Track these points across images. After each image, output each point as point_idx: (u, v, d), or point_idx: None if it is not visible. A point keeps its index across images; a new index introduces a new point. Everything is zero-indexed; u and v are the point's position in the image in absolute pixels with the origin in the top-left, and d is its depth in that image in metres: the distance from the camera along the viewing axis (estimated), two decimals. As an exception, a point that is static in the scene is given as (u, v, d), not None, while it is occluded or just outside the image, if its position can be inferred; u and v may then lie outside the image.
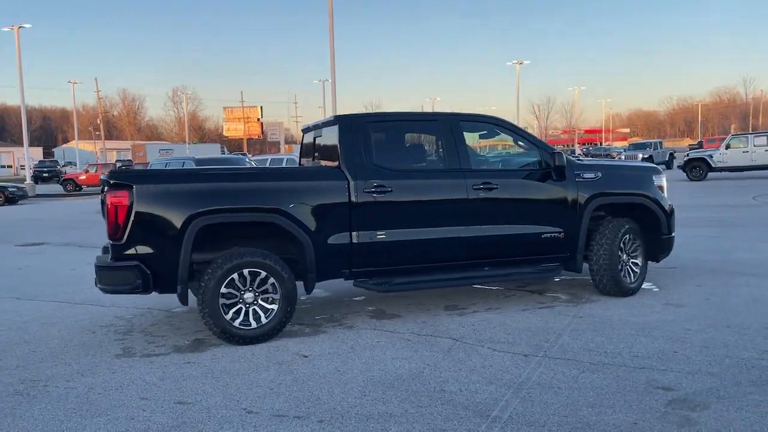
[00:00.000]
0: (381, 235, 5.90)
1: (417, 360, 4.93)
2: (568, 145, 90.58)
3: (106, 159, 70.25)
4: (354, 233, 5.81)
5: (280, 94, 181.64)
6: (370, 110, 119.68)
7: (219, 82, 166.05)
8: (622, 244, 6.69)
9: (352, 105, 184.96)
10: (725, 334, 5.31)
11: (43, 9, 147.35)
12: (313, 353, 5.20)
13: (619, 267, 6.67)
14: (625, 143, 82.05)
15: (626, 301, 6.56)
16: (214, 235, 5.65)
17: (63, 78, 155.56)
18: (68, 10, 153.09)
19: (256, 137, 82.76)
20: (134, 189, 5.23)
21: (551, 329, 5.65)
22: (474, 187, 6.15)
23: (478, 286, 7.42)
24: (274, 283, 5.51)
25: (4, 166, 64.55)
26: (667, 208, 6.95)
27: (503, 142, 10.45)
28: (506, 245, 6.35)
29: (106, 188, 5.29)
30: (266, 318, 5.52)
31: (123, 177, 5.33)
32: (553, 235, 6.47)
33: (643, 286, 7.14)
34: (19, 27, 33.22)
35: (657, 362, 4.70)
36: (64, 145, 79.93)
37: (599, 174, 6.68)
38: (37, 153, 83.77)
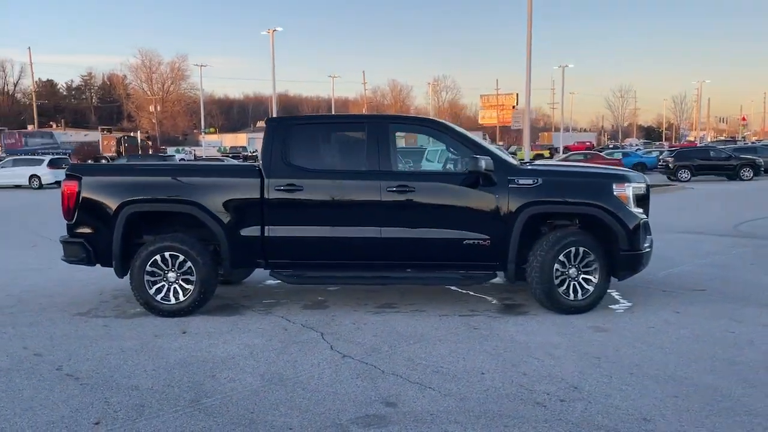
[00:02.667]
0: (292, 230, 6.33)
1: (250, 347, 5.36)
2: None
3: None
4: (266, 227, 6.33)
5: (540, 80, 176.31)
6: (619, 95, 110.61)
7: (480, 71, 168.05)
8: (563, 257, 6.16)
9: (599, 89, 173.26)
10: (573, 366, 4.79)
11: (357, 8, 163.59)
12: (194, 331, 5.90)
13: (557, 281, 6.17)
14: None
15: (555, 319, 6.07)
16: (163, 221, 6.64)
17: (345, 70, 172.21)
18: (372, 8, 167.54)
19: (508, 124, 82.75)
20: (82, 180, 6.43)
21: (416, 337, 5.58)
22: (388, 189, 6.22)
23: (455, 288, 7.37)
24: (191, 267, 6.33)
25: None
26: (628, 221, 6.17)
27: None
28: (423, 248, 6.31)
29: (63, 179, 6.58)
30: (183, 296, 6.36)
31: (74, 170, 6.56)
32: (477, 242, 6.23)
33: (615, 306, 6.50)
34: (273, 30, 38.65)
35: (440, 380, 4.52)
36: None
37: (539, 180, 6.22)
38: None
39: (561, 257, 6.17)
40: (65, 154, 49.51)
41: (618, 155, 39.73)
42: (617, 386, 4.37)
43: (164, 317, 6.34)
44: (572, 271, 6.23)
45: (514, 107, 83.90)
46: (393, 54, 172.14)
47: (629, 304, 6.61)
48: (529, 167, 6.53)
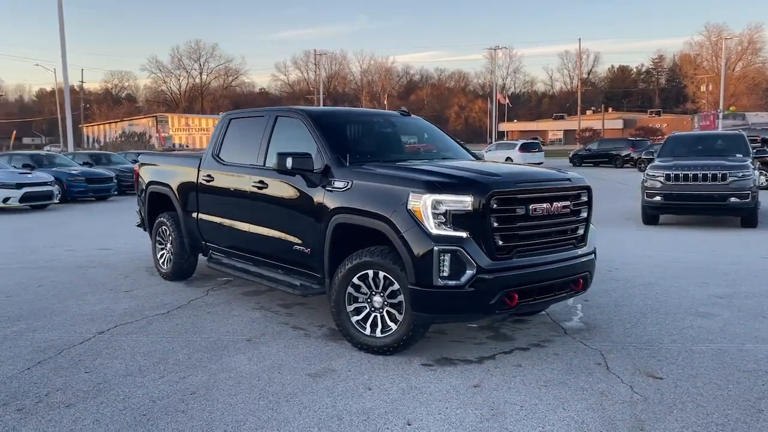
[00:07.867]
0: (208, 217, 6.76)
1: (107, 310, 6.20)
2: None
3: None
4: (199, 212, 6.93)
5: None
6: None
7: None
8: (359, 281, 4.87)
9: None
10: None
11: None
12: (124, 288, 7.04)
13: (352, 308, 4.92)
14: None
15: (343, 352, 4.87)
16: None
17: None
18: None
19: None
20: (139, 165, 8.23)
21: (177, 335, 5.45)
22: (252, 183, 6.02)
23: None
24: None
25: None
26: (415, 244, 4.38)
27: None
28: (273, 249, 5.85)
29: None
30: (170, 264, 7.54)
31: (140, 158, 8.30)
32: (300, 248, 5.46)
33: (452, 364, 4.76)
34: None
35: (37, 375, 4.66)
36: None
37: (350, 184, 5.00)
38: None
39: (356, 280, 4.87)
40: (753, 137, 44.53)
41: None
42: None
43: (164, 279, 7.64)
44: (377, 299, 4.83)
45: None
46: None
47: (474, 365, 4.63)
48: (364, 167, 5.17)
